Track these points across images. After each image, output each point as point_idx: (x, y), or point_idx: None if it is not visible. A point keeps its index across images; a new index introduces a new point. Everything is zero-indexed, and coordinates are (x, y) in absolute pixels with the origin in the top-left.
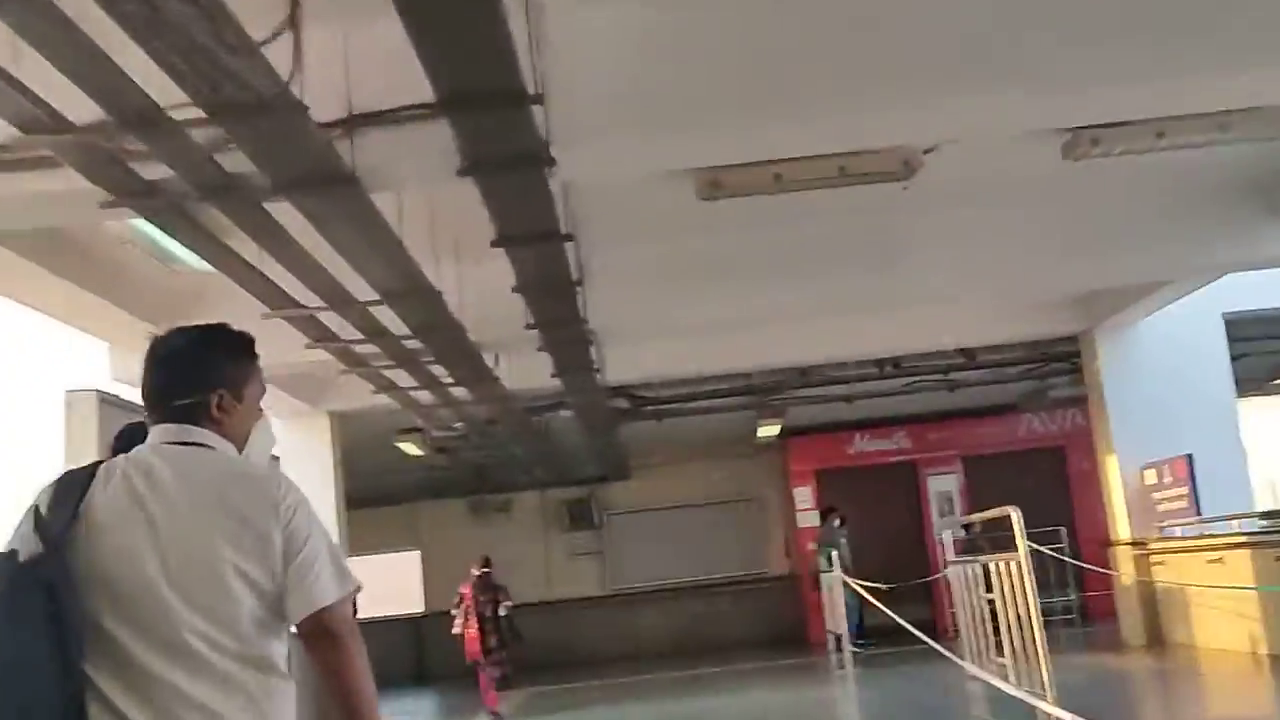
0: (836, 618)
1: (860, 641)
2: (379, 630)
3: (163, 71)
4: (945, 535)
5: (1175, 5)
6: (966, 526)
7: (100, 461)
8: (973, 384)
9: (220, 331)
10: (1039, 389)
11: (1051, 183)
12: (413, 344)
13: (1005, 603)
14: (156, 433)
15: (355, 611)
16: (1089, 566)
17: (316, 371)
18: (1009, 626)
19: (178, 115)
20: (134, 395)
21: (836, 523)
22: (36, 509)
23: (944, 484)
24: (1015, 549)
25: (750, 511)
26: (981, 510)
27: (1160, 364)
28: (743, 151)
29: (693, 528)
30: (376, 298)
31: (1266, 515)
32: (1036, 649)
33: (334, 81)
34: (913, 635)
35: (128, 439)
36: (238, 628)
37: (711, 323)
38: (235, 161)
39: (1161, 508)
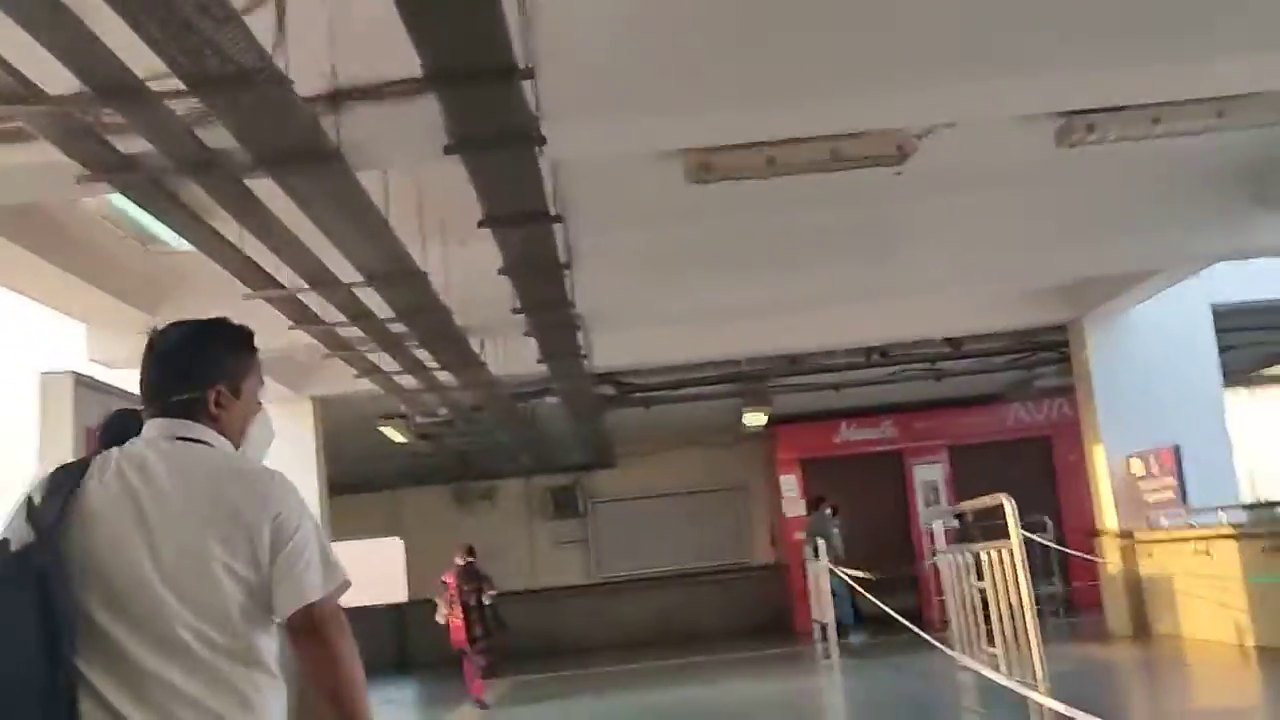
0: (822, 607)
1: (857, 629)
2: (361, 618)
3: (141, 41)
4: (936, 524)
5: None
6: (959, 515)
7: (96, 454)
8: (960, 373)
9: (219, 325)
10: (1026, 379)
11: (1044, 170)
12: (397, 327)
13: (997, 592)
14: (153, 427)
15: None
16: (1080, 555)
17: (299, 355)
18: (1000, 616)
19: (157, 87)
20: (111, 377)
21: (828, 512)
22: (29, 499)
23: (930, 474)
24: (1004, 538)
25: (736, 501)
26: (966, 500)
27: (1148, 354)
28: (735, 131)
29: (678, 516)
30: (361, 279)
31: (1255, 506)
32: (1029, 639)
33: (318, 55)
34: (899, 625)
35: (118, 428)
36: (228, 623)
37: (700, 309)
38: (216, 136)
39: (1148, 498)
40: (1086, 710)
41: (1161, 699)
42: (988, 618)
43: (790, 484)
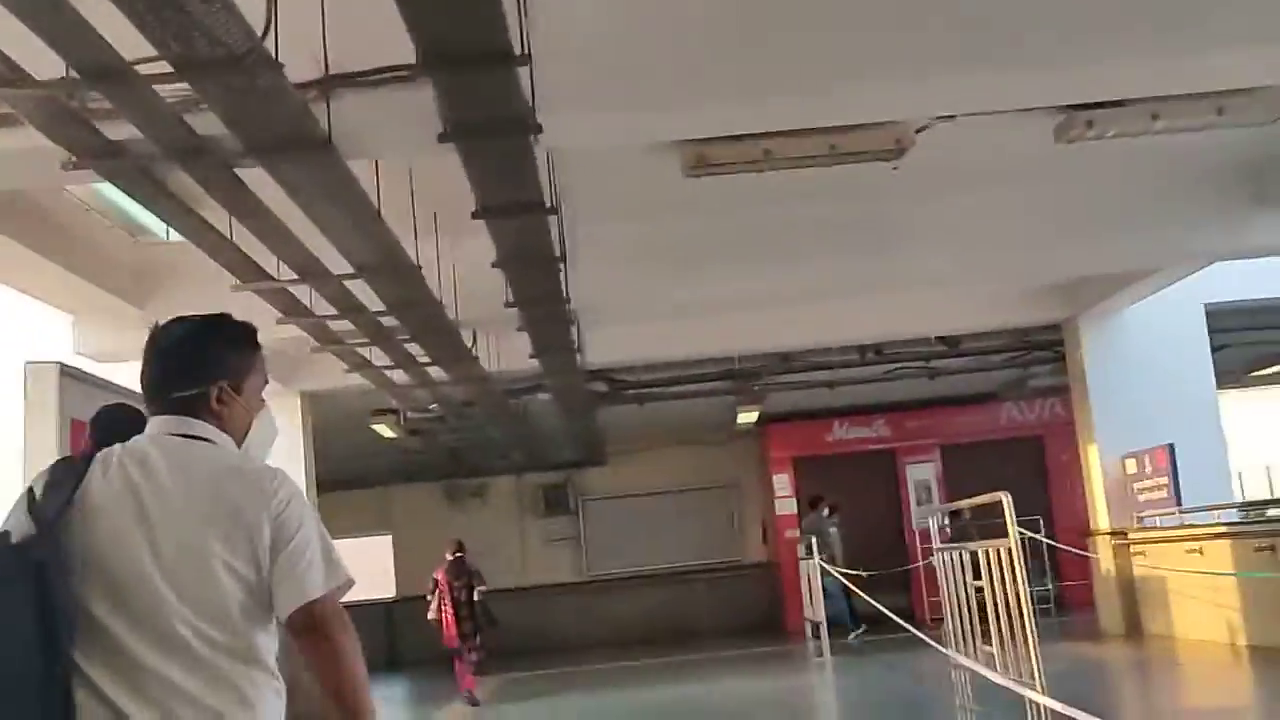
0: (815, 605)
1: (854, 628)
2: (350, 615)
3: (129, 23)
4: (931, 521)
5: None
6: (956, 513)
7: (92, 448)
8: (954, 372)
9: (222, 321)
10: (1019, 378)
11: (1042, 167)
12: (389, 321)
13: (994, 590)
14: (155, 423)
15: None
16: (1076, 551)
17: (288, 349)
18: (997, 614)
19: (145, 71)
20: (99, 370)
21: (826, 511)
22: (31, 492)
23: (922, 473)
24: (998, 536)
25: (728, 499)
26: (958, 499)
27: (1142, 353)
28: (733, 123)
29: (670, 514)
30: (352, 271)
31: (1250, 505)
32: (1026, 637)
33: (309, 39)
34: (891, 623)
35: (106, 421)
36: (228, 621)
37: (694, 305)
38: (205, 123)
39: (1142, 497)
40: (1084, 709)
41: (1157, 698)
42: (984, 616)
43: (782, 482)
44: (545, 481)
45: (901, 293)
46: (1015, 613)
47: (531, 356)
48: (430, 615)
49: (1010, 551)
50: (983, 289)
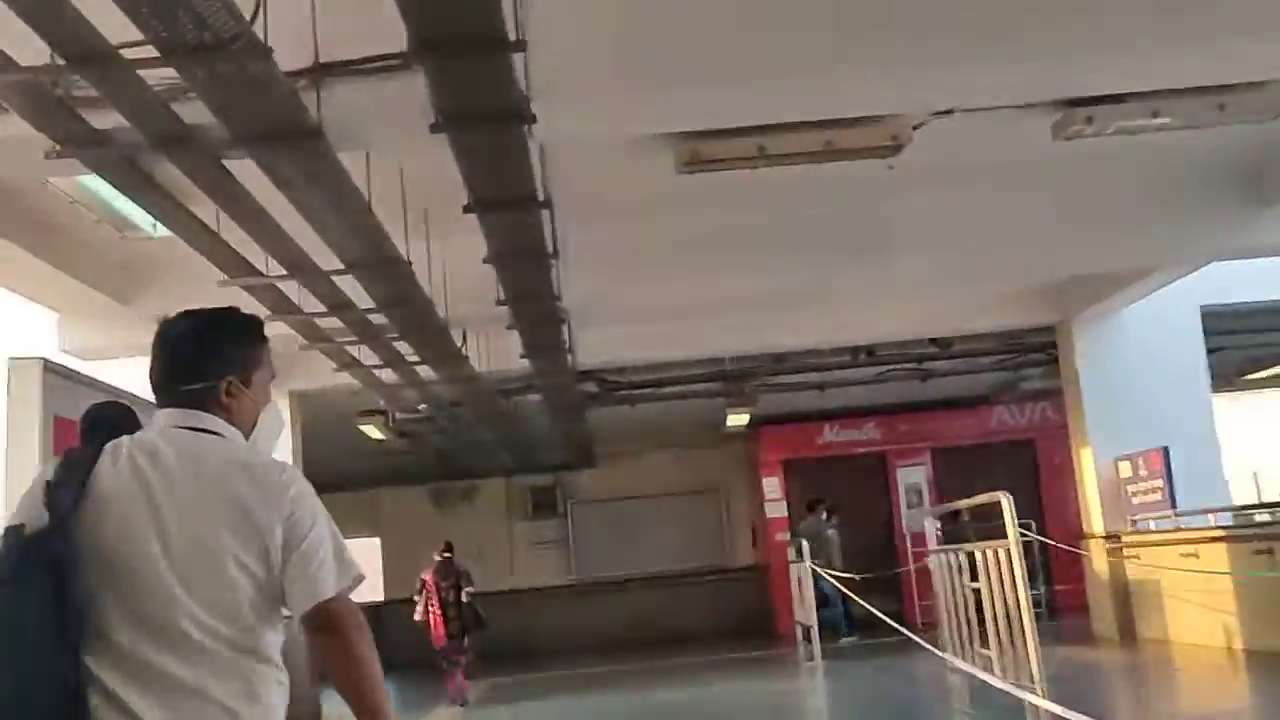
0: (807, 609)
1: (848, 633)
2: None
3: (115, 5)
4: (928, 523)
5: None
6: (955, 514)
7: (106, 441)
8: (945, 374)
9: (230, 315)
10: (1011, 380)
11: (1040, 166)
12: (378, 318)
13: (993, 592)
14: (164, 416)
15: None
16: (1070, 548)
17: (276, 347)
18: (995, 617)
19: (131, 56)
20: (82, 366)
21: (824, 514)
22: (48, 484)
23: (913, 476)
24: (994, 538)
25: (718, 502)
26: (949, 502)
27: (1136, 356)
28: (730, 114)
29: (659, 517)
30: (341, 267)
31: (1248, 508)
32: (1026, 640)
33: (299, 26)
34: (881, 627)
35: (95, 421)
36: (237, 616)
37: (686, 306)
38: (193, 112)
39: (1136, 500)
40: (1085, 714)
41: (1156, 702)
42: (981, 619)
43: (773, 485)
44: (534, 484)
45: (894, 294)
46: (1015, 615)
47: (522, 356)
48: (417, 617)
49: (1010, 553)
50: (976, 291)
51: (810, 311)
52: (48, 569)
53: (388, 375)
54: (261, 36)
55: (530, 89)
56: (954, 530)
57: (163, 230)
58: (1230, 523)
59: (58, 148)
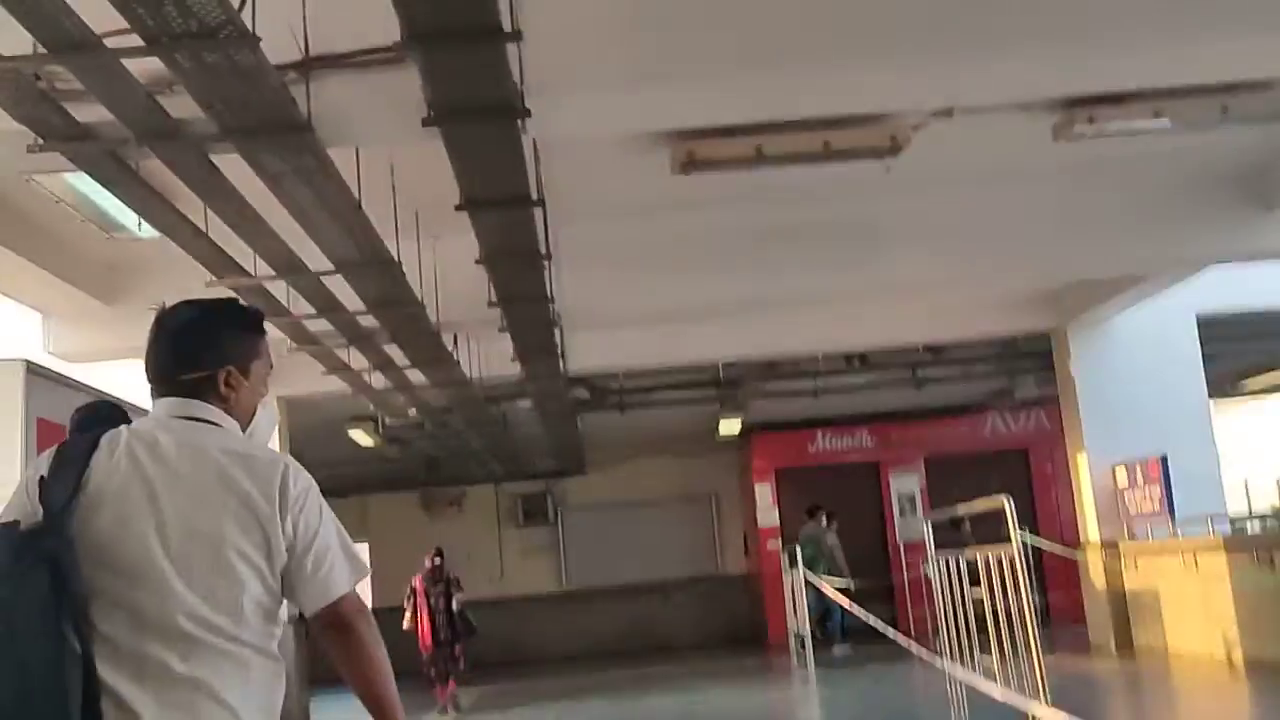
0: (799, 618)
1: (841, 641)
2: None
3: None
4: (925, 527)
5: None
6: (956, 521)
7: (102, 431)
8: (940, 380)
9: (229, 305)
10: (1005, 388)
11: (1039, 169)
12: (368, 321)
13: (997, 599)
14: (162, 406)
15: None
16: (1065, 552)
17: None
18: (997, 624)
19: (115, 44)
20: (67, 369)
21: (824, 521)
22: (42, 478)
23: (906, 484)
24: (989, 544)
25: (709, 510)
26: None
27: (1132, 363)
28: (728, 111)
29: (650, 525)
30: (331, 267)
31: (1248, 518)
32: (1031, 648)
33: (289, 18)
34: (873, 636)
35: (87, 420)
36: (236, 610)
37: (679, 310)
38: (179, 106)
39: (1133, 509)
40: None
41: (1157, 713)
42: (981, 627)
43: (765, 493)
44: (524, 491)
45: (890, 298)
46: (1018, 623)
47: (513, 360)
48: (405, 624)
49: (1013, 559)
50: (972, 295)
51: (805, 317)
52: (44, 565)
53: (378, 380)
54: (250, 27)
55: (525, 84)
56: (954, 537)
57: (150, 231)
58: (1230, 531)
59: (40, 141)
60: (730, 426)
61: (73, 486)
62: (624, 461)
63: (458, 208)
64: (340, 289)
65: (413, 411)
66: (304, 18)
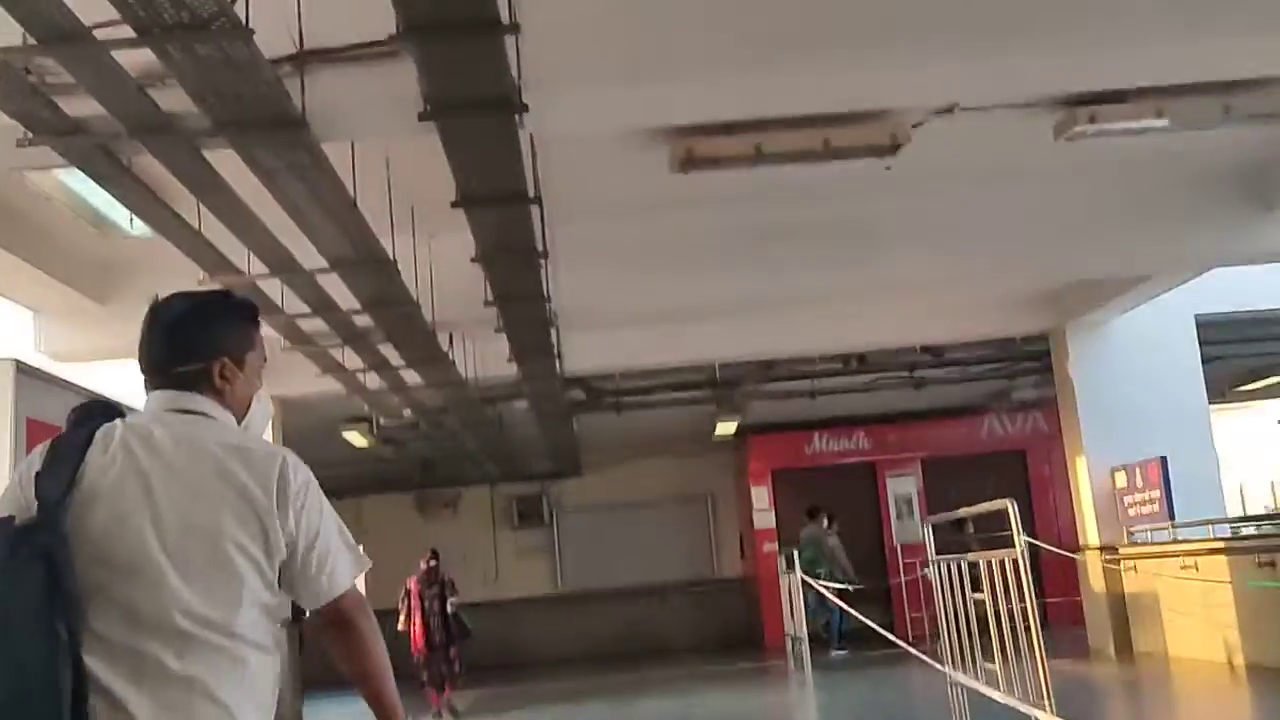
0: (796, 620)
1: (838, 644)
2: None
3: None
4: (926, 530)
5: None
6: (959, 523)
7: (97, 426)
8: (938, 382)
9: (223, 297)
10: (1004, 390)
11: (1040, 169)
12: (363, 320)
13: (1000, 602)
14: (156, 399)
15: None
16: (1064, 553)
17: None
18: (1000, 628)
19: (105, 36)
20: (57, 368)
21: (825, 522)
22: (37, 474)
23: (903, 486)
24: (985, 549)
25: (705, 511)
26: (938, 513)
27: (1131, 365)
28: (728, 106)
29: (646, 527)
30: (325, 265)
31: (1250, 519)
32: (1035, 653)
33: (283, 11)
34: (871, 639)
35: (83, 419)
36: (234, 605)
37: (676, 310)
38: (171, 100)
39: (1132, 511)
40: None
41: (1164, 719)
42: (983, 631)
43: (761, 495)
44: (519, 492)
45: (889, 298)
46: (1021, 627)
47: (509, 360)
48: (400, 626)
49: (1016, 562)
50: (972, 295)
51: (803, 317)
52: (39, 561)
53: (372, 380)
54: (243, 19)
55: (522, 78)
56: (957, 539)
57: (142, 229)
58: (1230, 534)
59: (30, 135)
60: (727, 428)
61: (67, 481)
62: (620, 463)
63: (454, 204)
64: (335, 287)
65: (408, 412)
66: (298, 10)
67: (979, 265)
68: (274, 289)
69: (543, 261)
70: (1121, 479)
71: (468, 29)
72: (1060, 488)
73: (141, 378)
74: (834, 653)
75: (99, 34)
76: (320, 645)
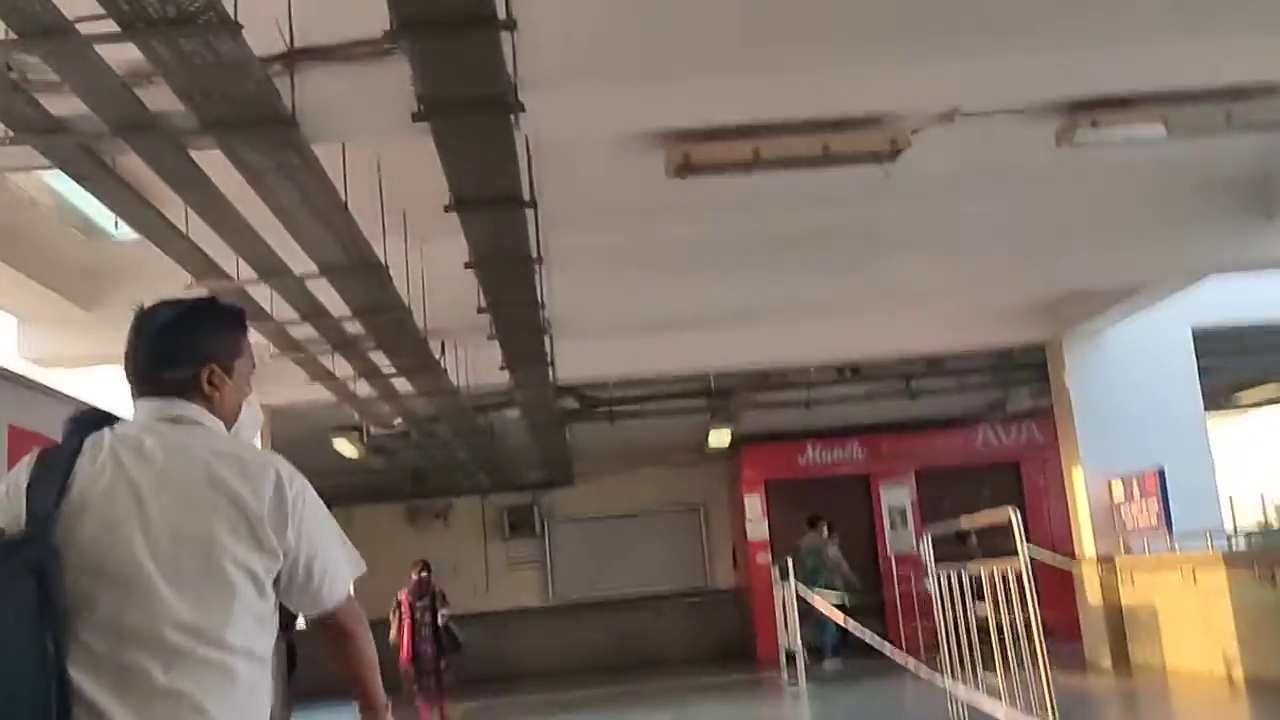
0: (790, 632)
1: (833, 656)
2: (308, 640)
3: None
4: (926, 541)
5: None
6: (962, 534)
7: (85, 435)
8: (933, 392)
9: (210, 304)
10: (997, 401)
11: (1038, 176)
12: (353, 326)
13: (1002, 614)
14: (144, 408)
15: None
16: (1059, 557)
17: None
18: (1003, 640)
19: (89, 31)
20: (43, 375)
21: (825, 531)
22: (28, 486)
23: (897, 497)
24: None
25: (698, 522)
26: (932, 524)
27: (1128, 375)
28: (726, 108)
29: (638, 538)
30: (315, 270)
31: (1255, 534)
32: (1039, 666)
33: (273, 7)
34: (865, 650)
35: (80, 428)
36: (226, 614)
37: (671, 319)
38: (157, 99)
39: (1129, 523)
40: None
41: None
42: (984, 643)
43: (754, 505)
44: (510, 503)
45: (885, 307)
46: (1024, 639)
47: (502, 368)
48: (391, 638)
49: (1020, 573)
50: (968, 304)
51: (798, 326)
52: (29, 575)
53: (363, 388)
54: (231, 13)
55: (519, 78)
56: (958, 550)
57: (128, 233)
58: (1229, 546)
59: (10, 134)
60: (720, 438)
61: (56, 493)
62: (612, 473)
63: (447, 208)
64: (325, 293)
65: (398, 421)
66: (289, 7)
67: (978, 273)
68: (263, 295)
69: (537, 267)
70: (1119, 490)
71: (463, 25)
72: (1055, 499)
73: (129, 386)
74: (828, 664)
75: (83, 28)
76: (312, 655)
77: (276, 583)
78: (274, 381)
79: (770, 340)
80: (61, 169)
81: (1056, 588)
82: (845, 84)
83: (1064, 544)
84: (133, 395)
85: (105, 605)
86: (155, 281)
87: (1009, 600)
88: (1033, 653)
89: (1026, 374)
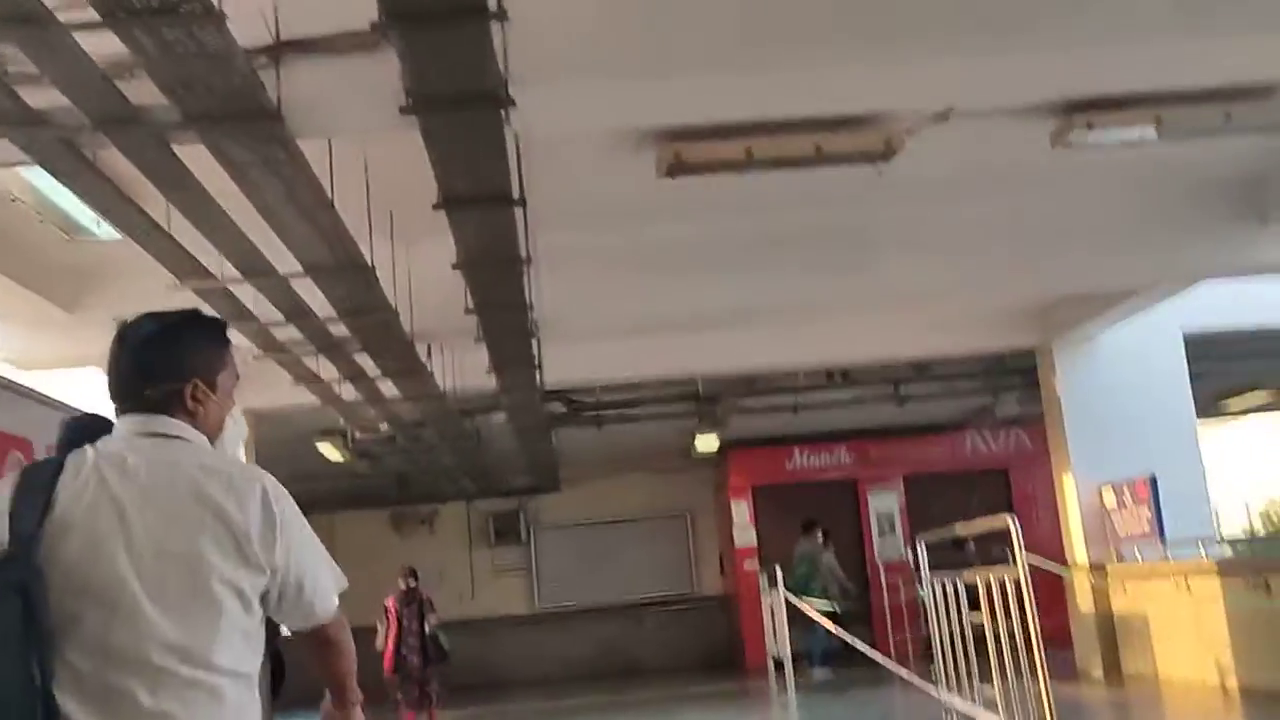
0: (779, 640)
1: (820, 664)
2: (290, 648)
3: None
4: (920, 547)
5: None
6: (959, 541)
7: (67, 453)
8: (922, 397)
9: (192, 317)
10: (986, 406)
11: (1034, 179)
12: (338, 328)
13: (1000, 623)
14: (126, 423)
15: None
16: (1052, 565)
17: None
18: (1000, 649)
19: (68, 19)
20: (23, 377)
21: (820, 538)
22: (10, 505)
23: (885, 503)
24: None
25: (685, 528)
26: (922, 530)
27: (1119, 381)
28: (720, 107)
29: (625, 544)
30: (299, 270)
31: (1248, 541)
32: (1039, 676)
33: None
34: (853, 659)
35: (75, 436)
36: (213, 636)
37: (659, 322)
38: (140, 93)
39: (1121, 530)
40: None
41: None
42: (979, 652)
43: (741, 511)
44: (496, 509)
45: (875, 310)
46: (1022, 648)
47: (488, 372)
48: (378, 645)
49: (1017, 581)
50: (959, 308)
51: (785, 331)
52: (14, 596)
53: (348, 391)
54: (214, 3)
55: (509, 73)
56: (954, 558)
57: (110, 233)
58: (1225, 553)
59: None
60: (708, 443)
61: (40, 512)
62: (599, 479)
63: (435, 207)
64: (310, 293)
65: (384, 425)
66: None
67: (970, 276)
68: (246, 294)
69: (526, 269)
70: (1110, 497)
71: (452, 16)
72: (1044, 506)
73: (111, 403)
74: (816, 673)
75: (62, 17)
76: (297, 663)
77: (264, 599)
78: (258, 384)
79: (759, 344)
80: (41, 164)
81: (1048, 596)
82: (844, 82)
83: (1053, 551)
84: (115, 412)
85: (90, 625)
86: (138, 281)
87: (1006, 609)
88: (1031, 663)
89: (1016, 380)
